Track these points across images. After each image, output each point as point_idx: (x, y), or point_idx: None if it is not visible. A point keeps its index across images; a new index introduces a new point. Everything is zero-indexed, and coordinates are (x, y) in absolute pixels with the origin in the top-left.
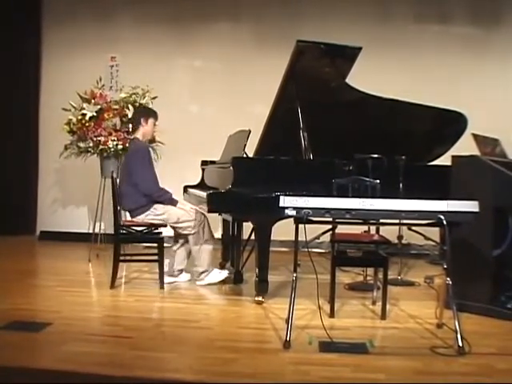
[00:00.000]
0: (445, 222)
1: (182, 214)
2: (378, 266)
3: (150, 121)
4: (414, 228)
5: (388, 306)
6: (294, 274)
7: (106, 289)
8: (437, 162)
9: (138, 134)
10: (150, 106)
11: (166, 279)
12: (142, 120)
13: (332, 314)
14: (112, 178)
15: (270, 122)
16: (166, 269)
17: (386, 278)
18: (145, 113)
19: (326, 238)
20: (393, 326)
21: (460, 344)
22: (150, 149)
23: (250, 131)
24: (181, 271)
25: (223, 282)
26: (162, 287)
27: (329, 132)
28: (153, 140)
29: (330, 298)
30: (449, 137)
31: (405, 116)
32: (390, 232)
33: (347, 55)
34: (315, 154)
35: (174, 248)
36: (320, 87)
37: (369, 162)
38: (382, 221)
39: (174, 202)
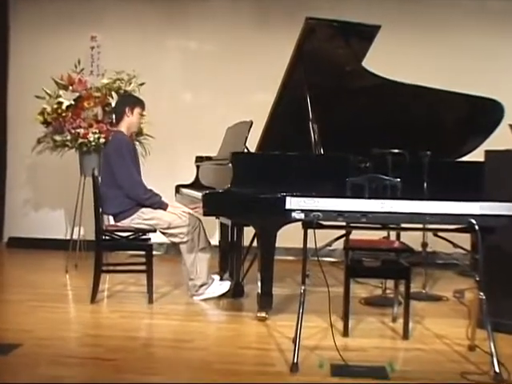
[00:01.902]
0: (477, 227)
1: (173, 218)
2: (399, 278)
3: (136, 110)
4: (440, 234)
5: (411, 324)
6: (303, 287)
7: (85, 304)
8: (467, 157)
9: (122, 127)
10: (137, 94)
11: (195, 298)
12: (126, 110)
13: (346, 333)
14: (93, 176)
15: (274, 112)
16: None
17: (408, 292)
18: (130, 101)
19: (339, 245)
20: (417, 348)
21: (497, 370)
22: (137, 143)
23: (251, 123)
24: (204, 284)
25: (221, 295)
26: (150, 301)
27: (342, 123)
28: (140, 133)
29: (343, 315)
30: (482, 128)
31: (430, 105)
32: (412, 238)
33: (364, 35)
34: (326, 149)
35: (183, 261)
36: (332, 72)
37: (388, 158)
38: (403, 225)
39: (163, 206)
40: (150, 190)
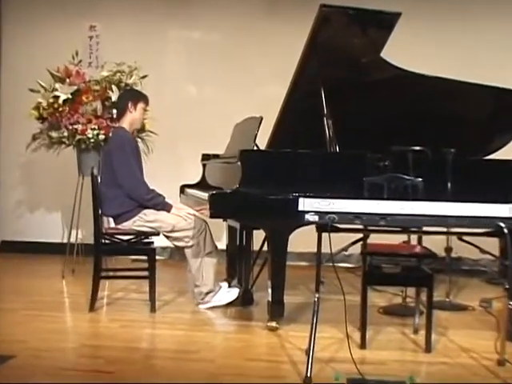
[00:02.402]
0: (506, 231)
1: (177, 221)
2: (421, 286)
3: (140, 106)
4: (465, 238)
5: (434, 336)
6: (316, 295)
7: (83, 312)
8: (495, 155)
9: (124, 123)
10: (139, 88)
11: (201, 306)
12: (129, 105)
13: (363, 345)
14: (92, 175)
15: (286, 107)
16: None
17: (430, 301)
18: (133, 96)
19: (356, 249)
20: (440, 361)
21: None
22: (139, 140)
23: (261, 118)
24: (211, 291)
25: (229, 303)
26: (153, 310)
27: (359, 119)
28: (142, 129)
29: (360, 325)
30: (510, 125)
31: (456, 98)
32: (435, 243)
33: (383, 23)
34: (342, 146)
35: (188, 267)
36: (349, 63)
37: (409, 156)
38: (425, 229)
39: (167, 208)
40: (153, 190)
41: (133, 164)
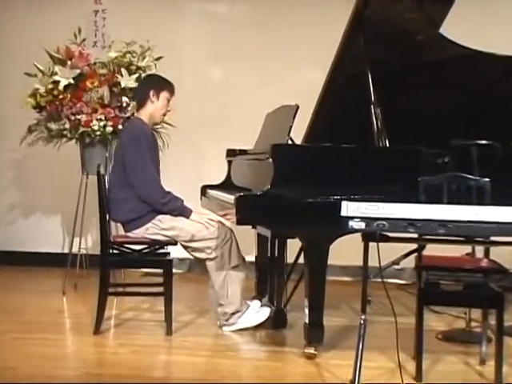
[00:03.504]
0: None
1: (198, 228)
2: (489, 307)
3: (163, 95)
4: None
5: (505, 368)
6: (363, 316)
7: (87, 335)
8: None
9: (143, 114)
10: (153, 71)
11: (225, 328)
12: (150, 93)
13: (419, 376)
14: (98, 174)
15: (326, 95)
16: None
17: (500, 325)
18: (155, 83)
19: (410, 262)
20: None
21: None
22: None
23: (297, 107)
24: (237, 311)
25: (258, 325)
26: (169, 332)
27: (413, 107)
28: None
29: (415, 352)
30: None
31: None
32: (505, 256)
33: None
34: (393, 140)
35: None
36: (401, 42)
37: (473, 151)
38: (493, 239)
39: (186, 213)
40: (169, 193)
41: (147, 161)
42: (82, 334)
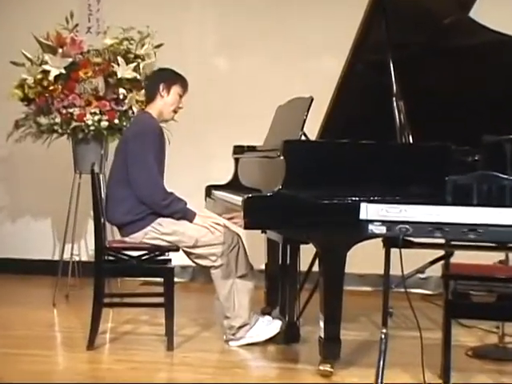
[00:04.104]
0: None
1: (202, 233)
2: None
3: (174, 90)
4: None
5: None
6: (383, 330)
7: (80, 350)
8: None
9: (152, 109)
10: (153, 60)
11: (232, 343)
12: (160, 87)
13: None
14: (92, 173)
15: (343, 85)
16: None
17: None
18: (166, 77)
19: (436, 271)
20: None
21: None
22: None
23: (311, 99)
24: (245, 324)
25: (268, 340)
26: (170, 348)
27: (440, 99)
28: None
29: (441, 371)
30: None
31: None
32: None
33: None
34: (417, 136)
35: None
36: (426, 26)
37: (507, 148)
38: None
39: (189, 216)
40: (171, 194)
41: (150, 159)
42: (74, 350)
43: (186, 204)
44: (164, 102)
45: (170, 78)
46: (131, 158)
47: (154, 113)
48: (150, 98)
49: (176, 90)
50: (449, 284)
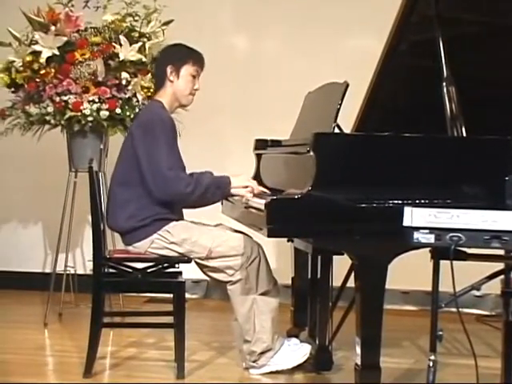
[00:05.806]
0: None
1: (217, 242)
2: None
3: (185, 70)
4: None
5: None
6: (432, 357)
7: (76, 377)
8: None
9: (163, 96)
10: (161, 39)
11: (253, 371)
12: (167, 70)
13: None
14: (90, 171)
15: (383, 69)
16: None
17: None
18: (174, 56)
19: (494, 287)
20: None
21: None
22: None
23: (346, 85)
24: (268, 350)
25: (296, 367)
26: (180, 375)
27: (498, 85)
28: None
29: None
30: None
31: None
32: None
33: None
34: (471, 128)
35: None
36: (482, 2)
37: None
38: None
39: (223, 184)
40: (191, 175)
41: (162, 151)
42: (68, 378)
43: (211, 175)
44: (175, 88)
45: (178, 57)
46: (143, 154)
47: (165, 101)
48: (159, 83)
49: (187, 70)
50: (509, 303)
